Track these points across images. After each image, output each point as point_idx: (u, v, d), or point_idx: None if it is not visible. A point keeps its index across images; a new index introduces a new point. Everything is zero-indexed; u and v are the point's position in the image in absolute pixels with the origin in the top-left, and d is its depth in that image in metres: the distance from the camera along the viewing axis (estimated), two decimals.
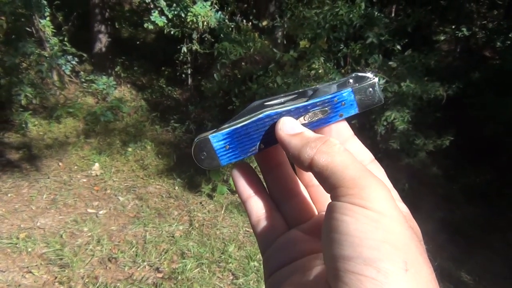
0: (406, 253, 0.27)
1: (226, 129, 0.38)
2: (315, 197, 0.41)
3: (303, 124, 0.37)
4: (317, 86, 0.39)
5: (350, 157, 0.32)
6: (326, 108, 0.38)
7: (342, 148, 0.32)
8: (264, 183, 0.41)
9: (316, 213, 0.41)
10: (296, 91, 0.39)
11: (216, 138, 0.38)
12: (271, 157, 0.41)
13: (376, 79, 0.38)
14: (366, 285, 0.26)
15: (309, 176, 0.41)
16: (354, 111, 0.38)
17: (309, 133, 0.35)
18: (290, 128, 0.36)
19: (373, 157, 0.39)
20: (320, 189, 0.40)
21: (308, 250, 0.36)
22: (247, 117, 0.38)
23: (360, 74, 0.39)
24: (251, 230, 3.56)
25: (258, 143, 0.38)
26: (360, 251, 0.27)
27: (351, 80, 0.38)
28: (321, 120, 0.38)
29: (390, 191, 0.30)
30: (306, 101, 0.38)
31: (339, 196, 0.30)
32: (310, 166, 0.33)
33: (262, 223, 0.39)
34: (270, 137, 0.37)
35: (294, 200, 0.41)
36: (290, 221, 0.40)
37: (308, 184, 0.41)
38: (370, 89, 0.38)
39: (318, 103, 0.38)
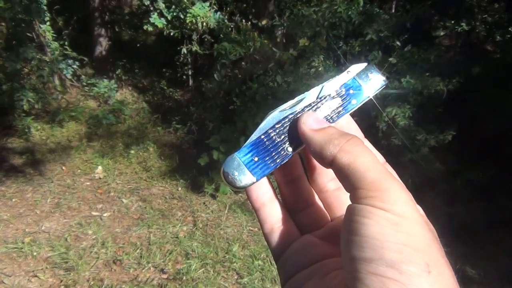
0: (428, 256, 0.27)
1: (247, 142, 0.38)
2: (328, 202, 0.41)
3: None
4: (321, 84, 0.39)
5: (373, 159, 0.31)
6: (337, 99, 0.38)
7: (365, 148, 0.32)
8: (278, 193, 0.41)
9: (329, 219, 0.41)
10: (303, 94, 0.39)
11: (242, 153, 0.38)
12: (289, 171, 0.41)
13: (372, 64, 0.39)
14: (389, 286, 0.26)
15: (323, 182, 0.41)
16: (366, 96, 0.39)
17: (332, 129, 0.35)
18: (313, 123, 0.36)
19: (384, 159, 0.39)
20: (334, 194, 0.40)
21: (324, 254, 0.36)
22: (266, 125, 0.38)
23: (355, 65, 0.39)
24: (255, 229, 3.57)
25: (285, 146, 0.38)
26: (381, 253, 0.27)
27: (350, 71, 0.39)
28: (335, 111, 0.38)
29: (410, 194, 0.30)
30: (316, 98, 0.38)
31: (359, 198, 0.30)
32: (332, 163, 0.33)
33: (276, 230, 0.39)
34: (294, 138, 0.37)
35: (308, 209, 0.41)
36: (303, 228, 0.40)
37: (322, 190, 0.41)
38: (369, 72, 0.39)
39: (326, 97, 0.38)
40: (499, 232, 3.75)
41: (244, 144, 0.38)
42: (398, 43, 3.88)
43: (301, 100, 0.39)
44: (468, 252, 3.48)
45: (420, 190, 3.84)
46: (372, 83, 0.39)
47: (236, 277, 3.04)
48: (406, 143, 3.89)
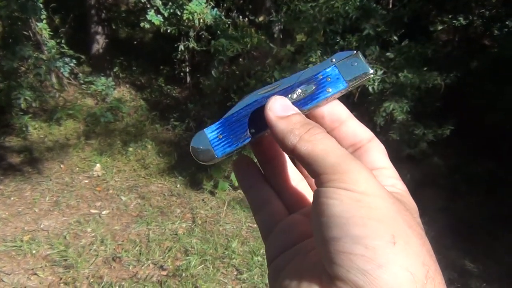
0: (393, 226, 0.27)
1: (219, 120, 0.38)
2: (313, 184, 0.41)
3: (292, 103, 0.37)
4: (302, 71, 0.39)
5: (332, 144, 0.32)
6: (312, 85, 0.38)
7: (325, 136, 0.33)
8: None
9: None
10: (282, 79, 0.39)
11: (210, 130, 0.38)
12: (268, 149, 0.41)
13: (359, 53, 0.38)
14: (357, 262, 0.26)
15: None
16: (343, 85, 0.38)
17: (296, 118, 0.35)
18: (279, 109, 0.35)
19: (372, 134, 0.39)
20: None
21: (309, 232, 0.36)
22: (238, 106, 0.38)
23: (342, 52, 0.39)
24: (254, 225, 3.58)
25: (250, 127, 0.38)
26: (347, 230, 0.27)
27: (334, 59, 0.38)
28: (308, 97, 0.38)
29: (371, 172, 0.30)
30: (293, 83, 0.38)
31: (322, 183, 0.31)
32: (293, 153, 0.33)
33: (264, 210, 0.40)
34: (260, 121, 0.37)
35: (293, 189, 0.41)
36: (289, 208, 0.40)
37: (305, 172, 0.42)
38: (354, 62, 0.38)
39: (303, 82, 0.38)
40: (498, 226, 3.76)
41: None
42: (395, 38, 3.87)
43: (279, 84, 0.39)
44: (467, 246, 3.49)
45: (418, 185, 3.84)
46: (353, 73, 0.38)
47: (235, 273, 3.04)
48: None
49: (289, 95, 0.38)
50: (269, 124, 0.36)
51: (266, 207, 0.40)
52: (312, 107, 0.38)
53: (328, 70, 0.38)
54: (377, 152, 0.38)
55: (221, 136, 0.38)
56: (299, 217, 0.39)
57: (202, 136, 0.39)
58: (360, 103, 4.00)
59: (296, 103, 0.38)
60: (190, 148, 0.39)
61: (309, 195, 0.41)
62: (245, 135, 0.38)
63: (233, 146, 0.38)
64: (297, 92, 0.38)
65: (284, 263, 0.35)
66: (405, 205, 0.32)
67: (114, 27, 6.58)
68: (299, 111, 0.36)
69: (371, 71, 0.38)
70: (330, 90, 0.38)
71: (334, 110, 0.39)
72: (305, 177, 0.43)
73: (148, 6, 4.59)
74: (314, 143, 0.32)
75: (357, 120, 0.39)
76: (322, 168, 0.31)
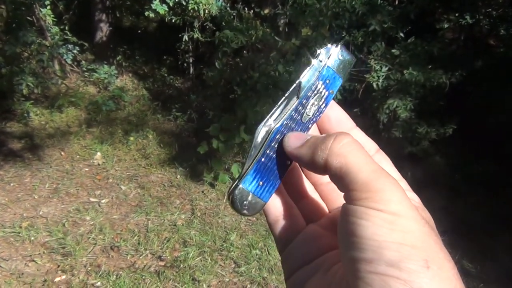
0: (426, 251, 0.27)
1: (249, 169, 0.37)
2: (325, 195, 0.41)
3: (309, 119, 0.38)
4: (299, 80, 0.39)
5: (364, 157, 0.31)
6: (318, 94, 0.38)
7: (355, 146, 0.32)
8: None
9: (327, 211, 0.41)
10: (285, 96, 0.39)
11: (247, 182, 0.37)
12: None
13: (339, 45, 0.39)
14: (390, 284, 0.26)
15: (316, 175, 0.41)
16: (339, 82, 0.39)
17: (313, 138, 0.35)
18: (295, 141, 0.36)
19: (377, 147, 0.39)
20: (329, 187, 0.41)
21: (327, 246, 0.36)
22: (259, 147, 0.38)
23: (324, 49, 0.39)
24: (253, 219, 3.57)
25: (283, 160, 0.38)
26: (380, 253, 0.27)
27: (322, 59, 0.39)
28: (319, 107, 0.39)
29: (404, 191, 0.30)
30: (298, 98, 0.38)
31: (353, 200, 0.30)
32: (325, 169, 0.32)
33: (281, 221, 0.39)
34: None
35: (305, 200, 0.41)
36: (306, 218, 0.40)
37: (317, 183, 0.42)
38: (341, 55, 0.39)
39: (309, 94, 0.38)
40: (498, 227, 3.75)
41: (246, 171, 0.37)
42: (401, 34, 3.84)
43: (285, 103, 0.38)
44: (466, 246, 3.49)
45: (419, 184, 3.83)
46: (343, 66, 0.39)
47: (233, 265, 3.04)
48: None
49: (305, 112, 0.38)
50: (294, 159, 0.36)
51: (285, 218, 0.39)
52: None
53: (324, 73, 0.39)
54: (387, 164, 0.38)
55: (261, 183, 0.37)
56: (318, 229, 0.38)
57: (243, 193, 0.37)
58: (363, 99, 3.98)
59: (313, 118, 0.38)
60: (235, 209, 0.37)
61: (321, 206, 0.41)
62: (283, 168, 0.38)
63: (276, 184, 0.38)
64: (308, 107, 0.38)
65: (305, 278, 0.35)
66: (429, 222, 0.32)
67: (118, 15, 6.55)
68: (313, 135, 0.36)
69: (354, 59, 0.40)
70: (333, 91, 0.39)
71: (340, 119, 0.40)
72: (315, 185, 0.42)
73: None
74: (345, 155, 0.31)
75: (362, 132, 0.40)
76: (353, 185, 0.30)
